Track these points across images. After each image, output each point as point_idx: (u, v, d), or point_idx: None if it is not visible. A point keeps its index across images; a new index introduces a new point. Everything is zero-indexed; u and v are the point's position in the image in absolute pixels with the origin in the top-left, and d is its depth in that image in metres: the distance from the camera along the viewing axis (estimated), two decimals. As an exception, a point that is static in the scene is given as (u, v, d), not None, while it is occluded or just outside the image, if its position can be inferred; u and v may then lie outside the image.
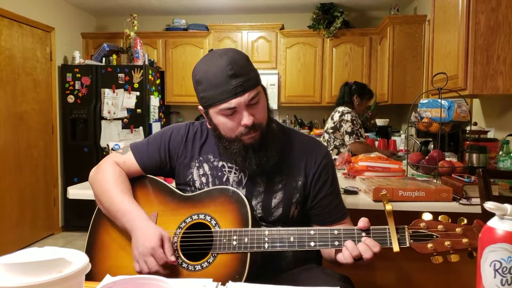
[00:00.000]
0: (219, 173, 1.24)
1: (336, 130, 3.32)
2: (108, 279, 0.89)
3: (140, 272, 1.07)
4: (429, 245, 0.96)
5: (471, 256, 0.94)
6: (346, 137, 3.26)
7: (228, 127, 1.13)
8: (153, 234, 1.07)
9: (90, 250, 1.20)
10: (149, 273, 1.05)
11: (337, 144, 3.33)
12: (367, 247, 0.99)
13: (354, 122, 3.26)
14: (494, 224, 0.68)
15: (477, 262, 0.70)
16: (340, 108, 3.38)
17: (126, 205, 1.15)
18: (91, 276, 0.84)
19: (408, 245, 0.98)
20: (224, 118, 1.12)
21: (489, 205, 0.67)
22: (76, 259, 0.67)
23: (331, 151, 3.30)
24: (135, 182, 1.27)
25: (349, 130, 3.24)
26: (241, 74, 1.09)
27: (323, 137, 3.47)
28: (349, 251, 1.00)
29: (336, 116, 3.34)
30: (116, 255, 1.18)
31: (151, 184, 1.27)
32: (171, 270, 1.08)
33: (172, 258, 1.06)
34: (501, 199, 1.63)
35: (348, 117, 3.27)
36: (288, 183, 1.22)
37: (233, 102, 1.08)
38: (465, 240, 0.95)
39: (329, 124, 3.41)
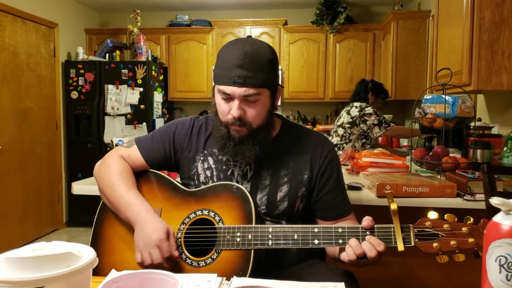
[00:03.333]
0: (224, 167, 1.25)
1: (354, 125, 3.31)
2: (113, 273, 0.89)
3: (141, 263, 1.07)
4: (435, 245, 0.96)
5: (476, 255, 0.93)
6: (376, 129, 3.26)
7: (221, 110, 1.17)
8: (160, 226, 1.08)
9: (95, 245, 1.21)
10: (151, 265, 1.06)
11: (353, 138, 3.33)
12: (371, 245, 0.98)
13: (377, 113, 3.27)
14: (500, 219, 0.68)
15: (482, 257, 0.70)
16: (357, 104, 3.36)
17: (130, 198, 1.16)
18: (96, 271, 0.85)
19: (413, 244, 0.98)
20: (221, 99, 1.16)
21: (495, 201, 0.67)
22: (83, 253, 0.68)
23: (344, 145, 3.31)
24: (139, 177, 1.28)
25: (376, 122, 3.25)
26: (248, 68, 1.09)
27: (336, 132, 3.45)
28: (353, 249, 0.99)
29: (355, 111, 3.32)
30: (121, 250, 1.19)
31: (155, 179, 1.27)
32: (174, 265, 1.09)
33: (176, 253, 1.07)
34: (505, 195, 1.62)
35: (369, 110, 3.27)
36: (294, 177, 1.22)
37: (228, 89, 1.11)
38: (471, 240, 0.94)
39: (346, 119, 3.38)
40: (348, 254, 1.01)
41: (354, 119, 3.32)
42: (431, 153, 2.14)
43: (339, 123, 3.47)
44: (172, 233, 1.10)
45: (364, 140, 3.32)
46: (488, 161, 2.13)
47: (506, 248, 0.65)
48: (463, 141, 2.52)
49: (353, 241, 1.00)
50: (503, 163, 2.09)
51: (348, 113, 3.39)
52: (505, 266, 0.65)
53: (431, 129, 2.37)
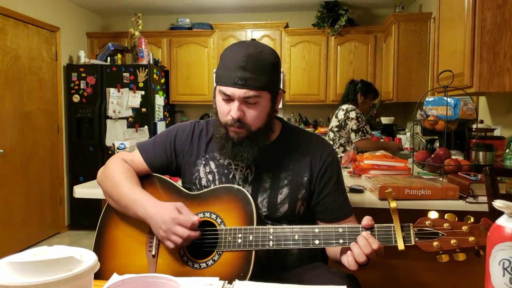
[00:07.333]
0: (226, 171, 1.25)
1: (341, 128, 3.31)
2: (115, 277, 0.89)
3: (176, 247, 1.09)
4: (435, 243, 0.95)
5: (478, 255, 0.93)
6: (352, 135, 3.24)
7: (221, 110, 1.17)
8: (168, 207, 1.11)
9: (98, 248, 1.21)
10: (183, 243, 1.07)
11: (343, 142, 3.32)
12: (366, 242, 0.98)
13: (359, 119, 3.25)
14: (503, 222, 0.67)
15: (485, 261, 0.69)
16: (344, 106, 3.37)
17: (137, 194, 1.17)
18: (98, 275, 0.85)
19: (413, 243, 0.97)
20: (221, 100, 1.16)
21: (498, 203, 0.67)
22: (85, 257, 0.68)
23: (337, 149, 3.30)
24: (142, 180, 1.28)
25: (354, 127, 3.23)
26: (250, 70, 1.09)
27: (328, 136, 3.46)
28: (361, 248, 0.98)
29: (341, 114, 3.33)
30: (124, 253, 1.19)
31: (158, 183, 1.28)
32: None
33: (195, 218, 1.09)
34: (508, 197, 1.62)
35: (353, 114, 3.26)
36: (294, 179, 1.22)
37: (229, 90, 1.12)
38: (471, 239, 0.94)
39: (334, 122, 3.40)
40: (349, 262, 1.00)
41: (340, 122, 3.32)
42: (433, 155, 2.14)
43: (329, 127, 3.49)
44: (181, 204, 1.12)
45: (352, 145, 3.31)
46: (490, 163, 2.12)
47: (510, 251, 0.65)
48: (465, 143, 2.51)
49: (361, 240, 0.99)
50: (506, 165, 2.08)
51: (336, 116, 3.40)
52: (509, 269, 0.65)
53: (433, 132, 2.36)
